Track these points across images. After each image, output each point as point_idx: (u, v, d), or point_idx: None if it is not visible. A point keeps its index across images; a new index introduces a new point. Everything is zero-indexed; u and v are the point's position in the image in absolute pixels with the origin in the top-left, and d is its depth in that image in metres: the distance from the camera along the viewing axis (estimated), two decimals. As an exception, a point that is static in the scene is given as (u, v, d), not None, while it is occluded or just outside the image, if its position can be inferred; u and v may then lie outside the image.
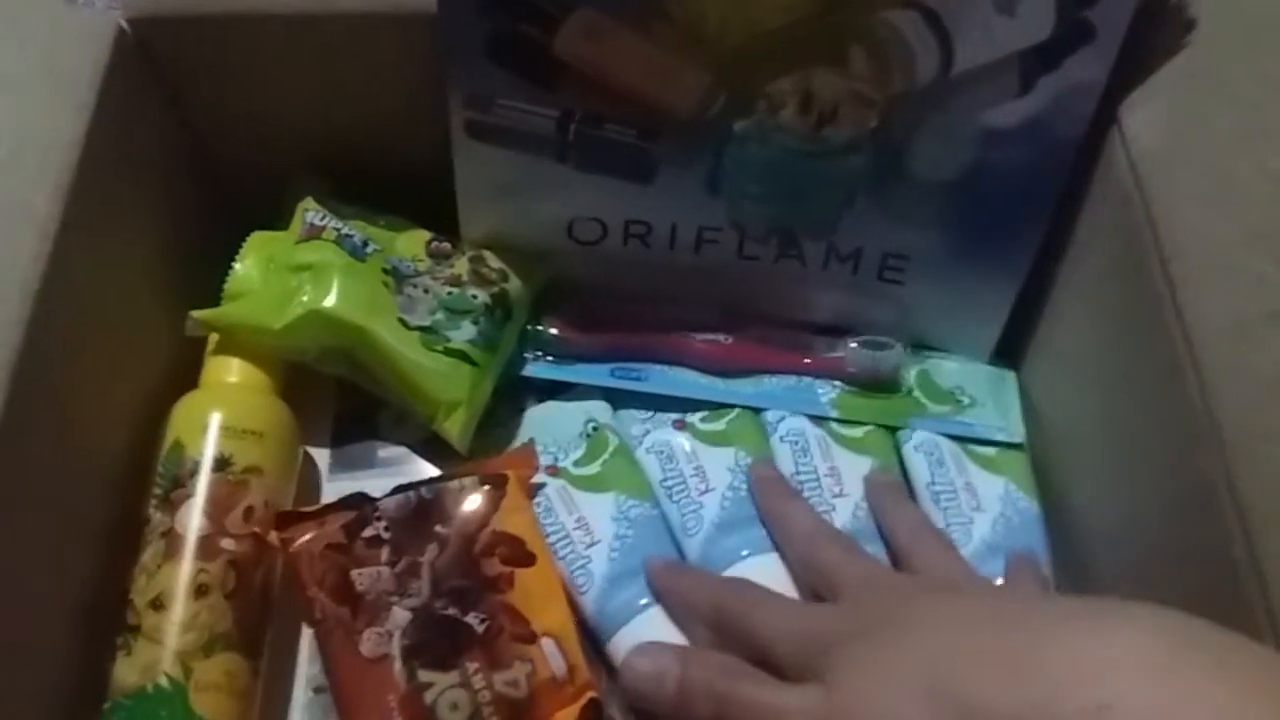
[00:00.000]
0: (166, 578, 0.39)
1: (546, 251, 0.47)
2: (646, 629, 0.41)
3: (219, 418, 0.42)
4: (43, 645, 0.38)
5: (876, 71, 0.40)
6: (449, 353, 0.44)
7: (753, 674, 0.36)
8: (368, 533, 0.41)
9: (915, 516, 0.43)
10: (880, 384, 0.48)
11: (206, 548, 0.40)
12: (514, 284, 0.47)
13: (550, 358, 0.48)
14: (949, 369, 0.49)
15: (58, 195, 0.37)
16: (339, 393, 0.48)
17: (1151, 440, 0.37)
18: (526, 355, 0.48)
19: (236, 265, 0.45)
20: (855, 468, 0.45)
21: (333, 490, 0.46)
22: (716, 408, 0.47)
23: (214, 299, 0.45)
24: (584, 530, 0.43)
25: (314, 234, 0.45)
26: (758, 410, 0.47)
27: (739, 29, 0.39)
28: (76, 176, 0.37)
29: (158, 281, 0.45)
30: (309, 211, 0.46)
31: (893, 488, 0.45)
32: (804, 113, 0.41)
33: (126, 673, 0.38)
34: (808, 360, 0.49)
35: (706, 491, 0.44)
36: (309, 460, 0.47)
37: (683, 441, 0.46)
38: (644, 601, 0.42)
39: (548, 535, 0.43)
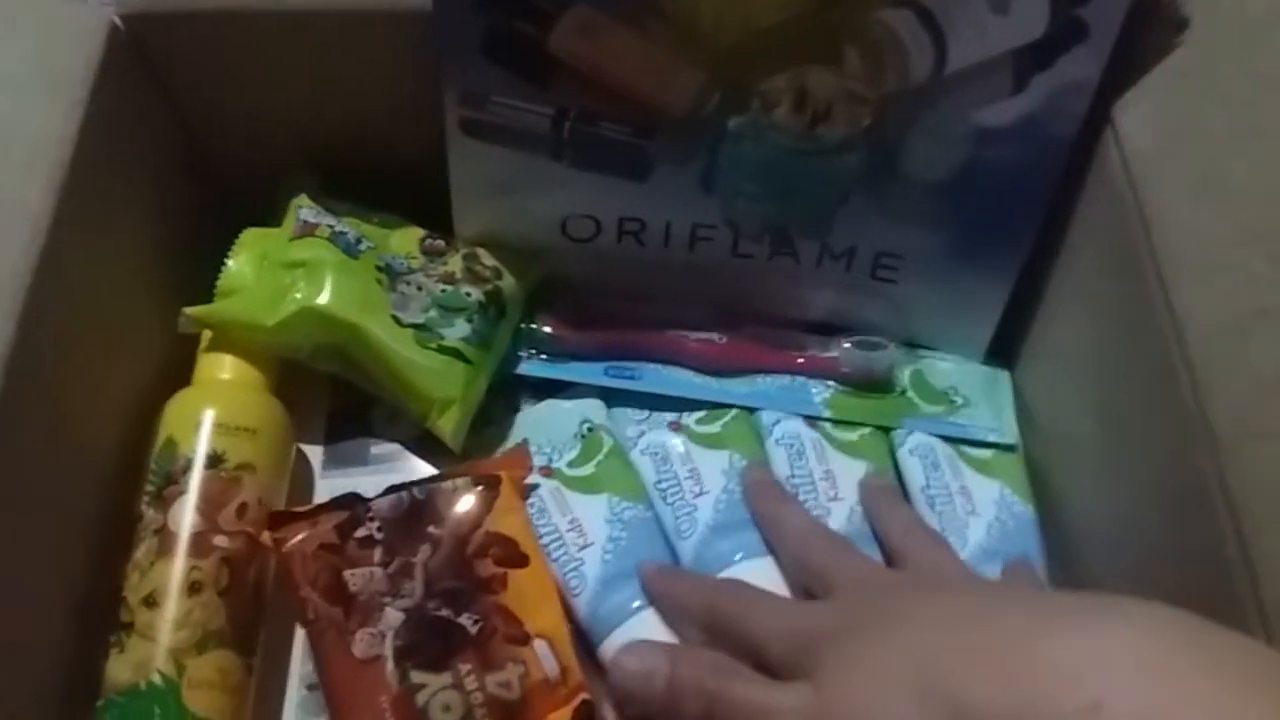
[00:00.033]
0: (159, 575, 0.39)
1: (541, 249, 0.47)
2: (640, 632, 0.41)
3: (212, 414, 0.42)
4: (35, 642, 0.37)
5: (870, 70, 0.40)
6: (442, 350, 0.44)
7: (743, 672, 0.36)
8: (360, 533, 0.41)
9: (909, 516, 0.43)
10: (874, 384, 0.48)
11: (199, 545, 0.39)
12: (508, 281, 0.47)
13: (544, 356, 0.48)
14: (943, 369, 0.49)
15: (50, 191, 0.37)
16: (332, 390, 0.48)
17: (1145, 438, 0.38)
18: (520, 353, 0.48)
19: (229, 262, 0.45)
20: (850, 471, 0.45)
21: (326, 488, 0.46)
22: (710, 407, 0.47)
23: (207, 295, 0.44)
24: (577, 532, 0.43)
25: (307, 231, 0.45)
26: (753, 412, 0.47)
27: (733, 27, 0.39)
28: (69, 172, 0.37)
29: (150, 278, 0.45)
30: (302, 208, 0.46)
31: (887, 490, 0.45)
32: (798, 111, 0.41)
33: (119, 670, 0.38)
34: (801, 360, 0.48)
35: (701, 494, 0.44)
36: (302, 457, 0.46)
37: (678, 443, 0.46)
38: (637, 604, 0.41)
39: (541, 536, 0.43)
